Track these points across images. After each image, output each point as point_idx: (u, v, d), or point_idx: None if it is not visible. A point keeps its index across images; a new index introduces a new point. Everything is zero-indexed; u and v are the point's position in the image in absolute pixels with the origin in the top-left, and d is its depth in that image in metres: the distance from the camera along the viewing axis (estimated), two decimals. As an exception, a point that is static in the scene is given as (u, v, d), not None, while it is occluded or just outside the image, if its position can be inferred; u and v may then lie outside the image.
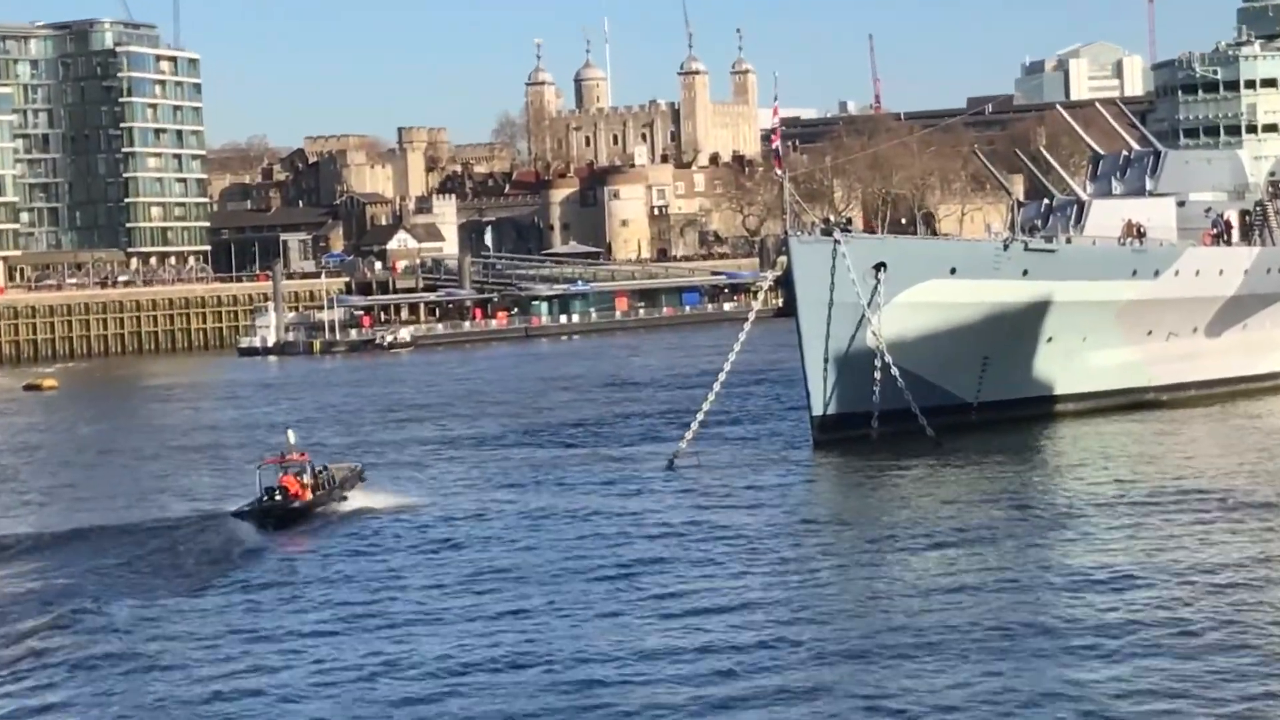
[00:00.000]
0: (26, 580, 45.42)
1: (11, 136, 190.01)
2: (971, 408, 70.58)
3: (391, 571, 45.57)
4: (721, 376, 67.15)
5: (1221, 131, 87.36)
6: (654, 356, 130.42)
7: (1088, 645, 35.32)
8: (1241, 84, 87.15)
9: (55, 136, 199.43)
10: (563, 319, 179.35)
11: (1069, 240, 75.30)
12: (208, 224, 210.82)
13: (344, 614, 40.64)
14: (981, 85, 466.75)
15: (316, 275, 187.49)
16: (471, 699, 33.17)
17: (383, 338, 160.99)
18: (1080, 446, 66.47)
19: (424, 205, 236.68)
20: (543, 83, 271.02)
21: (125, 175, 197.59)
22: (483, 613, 40.13)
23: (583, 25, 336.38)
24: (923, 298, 67.96)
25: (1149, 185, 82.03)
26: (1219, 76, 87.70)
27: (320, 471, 55.29)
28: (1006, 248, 70.62)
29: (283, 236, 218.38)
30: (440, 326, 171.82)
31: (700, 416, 66.18)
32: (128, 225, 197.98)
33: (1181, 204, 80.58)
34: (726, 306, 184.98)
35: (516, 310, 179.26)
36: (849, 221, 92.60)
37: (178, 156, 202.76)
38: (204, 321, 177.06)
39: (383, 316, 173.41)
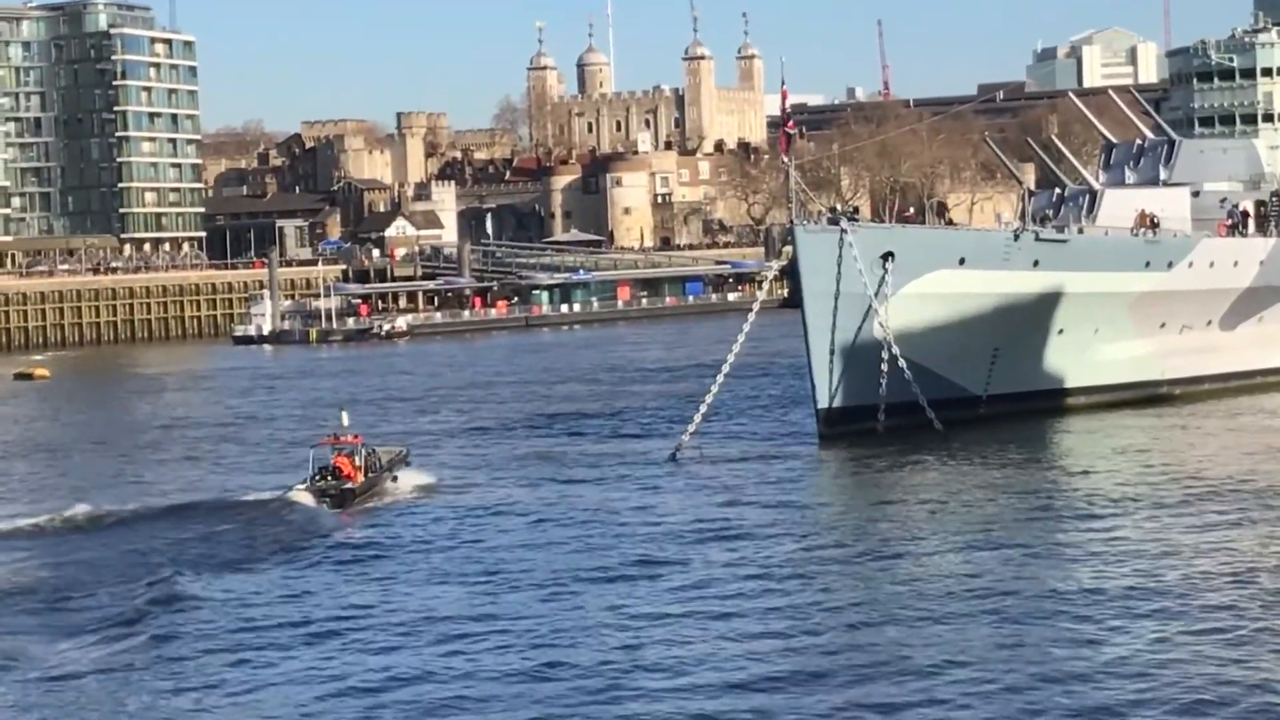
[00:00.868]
0: (115, 554, 46.57)
1: (3, 120, 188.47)
2: (980, 401, 69.63)
3: (385, 567, 44.82)
4: (725, 368, 66.41)
5: (1237, 120, 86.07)
6: (657, 347, 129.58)
7: (1100, 642, 34.95)
8: (1258, 72, 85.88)
9: (47, 120, 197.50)
10: (564, 308, 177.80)
11: (1081, 230, 74.35)
12: (203, 210, 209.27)
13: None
14: (992, 72, 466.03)
15: (313, 263, 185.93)
16: (470, 703, 32.29)
17: (380, 327, 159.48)
18: (1092, 441, 65.72)
19: (423, 192, 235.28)
20: (545, 67, 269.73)
21: (119, 160, 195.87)
22: (481, 611, 39.32)
23: (586, 9, 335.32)
24: (931, 288, 67.00)
25: (1163, 175, 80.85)
26: (1235, 64, 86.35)
27: (370, 454, 56.15)
28: (1017, 238, 69.75)
29: (279, 223, 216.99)
30: (439, 315, 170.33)
31: (704, 409, 65.40)
32: (121, 211, 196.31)
33: (1196, 194, 79.41)
34: (731, 297, 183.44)
35: (517, 299, 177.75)
36: (856, 210, 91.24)
37: (172, 141, 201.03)
38: (198, 309, 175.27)
39: (380, 305, 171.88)
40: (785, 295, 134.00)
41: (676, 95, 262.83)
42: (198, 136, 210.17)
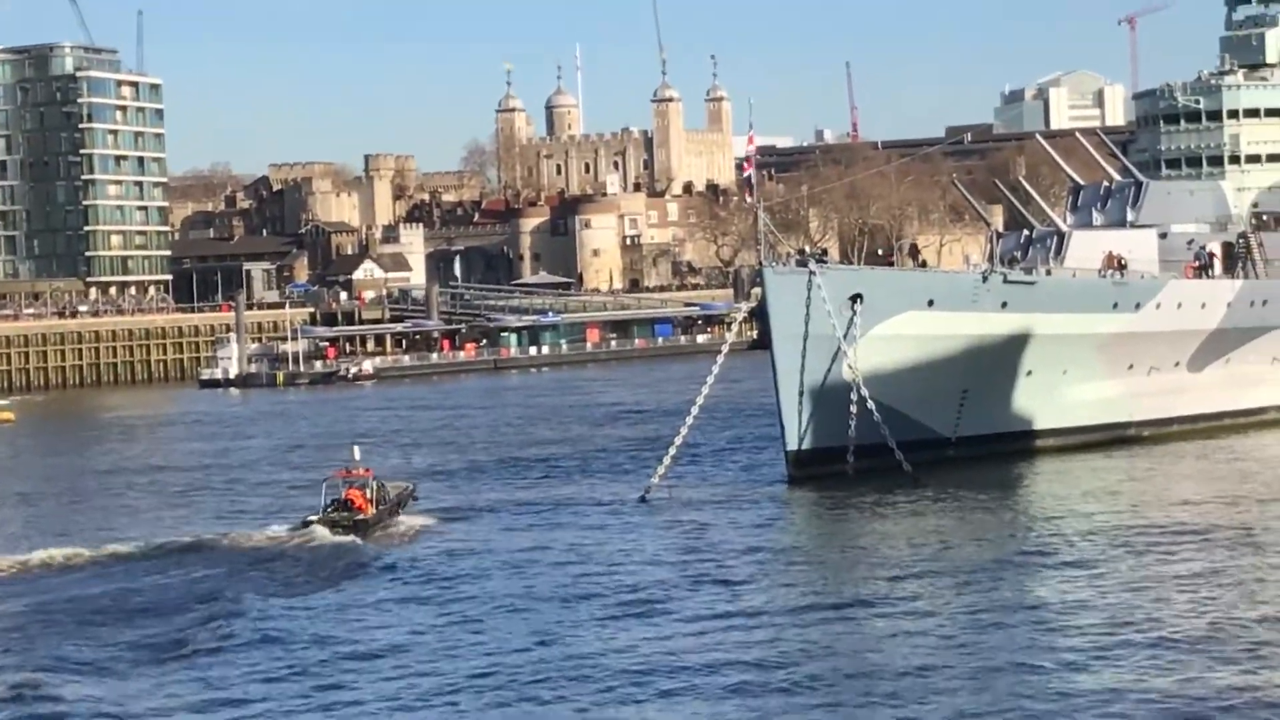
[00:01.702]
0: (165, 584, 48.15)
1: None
2: (949, 442, 69.47)
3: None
4: (695, 410, 66.15)
5: (1204, 162, 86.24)
6: (626, 389, 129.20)
7: (1066, 682, 35.00)
8: (1224, 114, 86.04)
9: (13, 163, 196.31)
10: (532, 350, 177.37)
11: (1049, 272, 74.44)
12: (169, 253, 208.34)
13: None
14: (960, 114, 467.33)
15: (280, 305, 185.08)
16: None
17: (346, 370, 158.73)
18: (1060, 483, 65.75)
19: (391, 234, 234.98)
20: (513, 109, 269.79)
21: (85, 203, 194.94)
22: (449, 656, 39.06)
23: (555, 51, 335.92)
24: (900, 330, 66.95)
25: (1130, 216, 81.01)
26: (1201, 106, 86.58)
27: (380, 487, 57.73)
28: (985, 279, 69.76)
29: (246, 266, 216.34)
30: (407, 358, 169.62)
31: (673, 450, 65.04)
32: (87, 254, 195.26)
33: (1163, 236, 79.65)
34: (700, 338, 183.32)
35: (485, 341, 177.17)
36: (824, 252, 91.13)
37: (139, 184, 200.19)
38: (165, 353, 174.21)
39: (348, 348, 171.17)
40: (754, 337, 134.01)
41: (645, 137, 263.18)
42: (164, 179, 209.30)
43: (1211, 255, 79.40)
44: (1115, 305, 72.89)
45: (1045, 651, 37.71)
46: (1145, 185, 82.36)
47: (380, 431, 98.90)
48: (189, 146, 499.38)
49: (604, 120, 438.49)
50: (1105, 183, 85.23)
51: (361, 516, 55.11)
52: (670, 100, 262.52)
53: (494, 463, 78.40)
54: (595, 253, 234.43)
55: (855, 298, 65.54)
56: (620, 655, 38.31)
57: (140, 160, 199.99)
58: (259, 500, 68.26)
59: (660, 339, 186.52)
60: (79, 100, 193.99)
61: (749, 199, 69.49)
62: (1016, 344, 70.29)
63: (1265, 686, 34.32)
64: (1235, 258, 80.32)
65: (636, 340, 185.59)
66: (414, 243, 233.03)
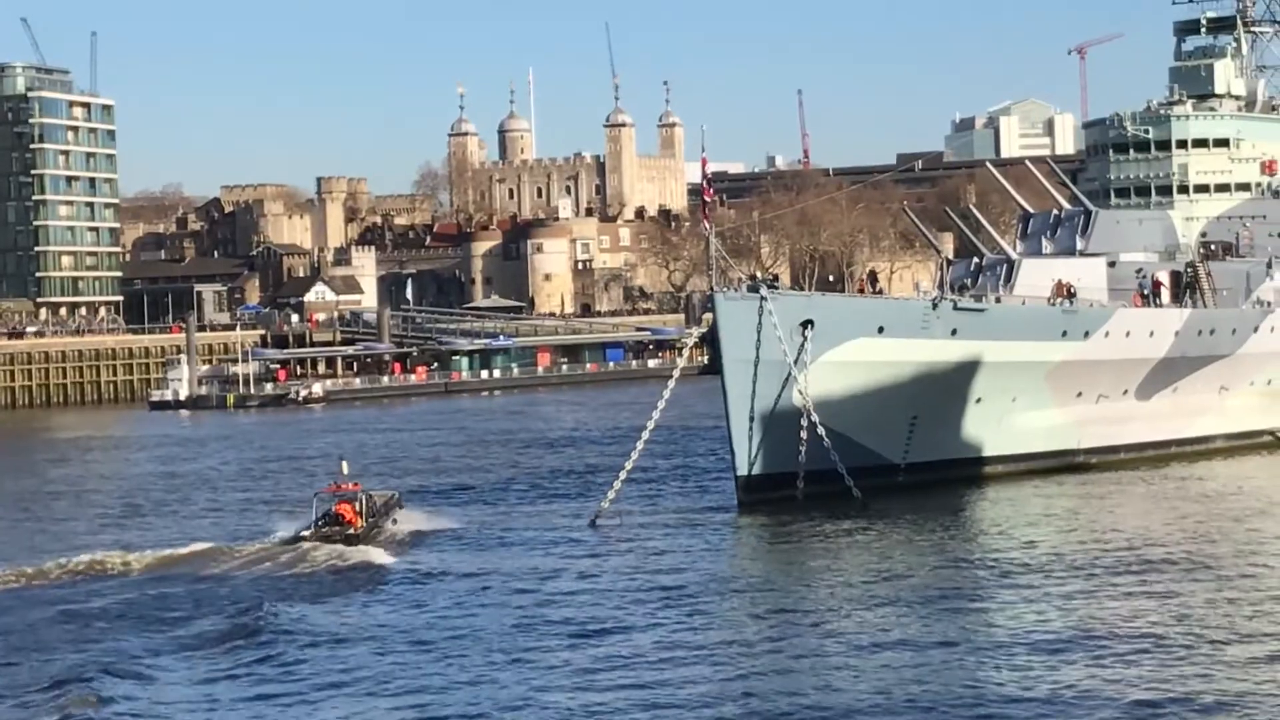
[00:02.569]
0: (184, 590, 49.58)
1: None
2: (899, 469, 69.63)
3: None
4: (645, 434, 66.06)
5: (1153, 192, 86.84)
6: (577, 413, 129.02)
7: (1015, 704, 35.24)
8: (1173, 144, 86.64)
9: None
10: (484, 374, 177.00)
11: (999, 300, 74.71)
12: (120, 274, 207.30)
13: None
14: (911, 142, 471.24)
15: (231, 327, 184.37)
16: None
17: (297, 392, 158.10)
18: (1008, 509, 65.86)
19: (343, 257, 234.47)
20: (466, 133, 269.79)
21: (35, 223, 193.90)
22: (391, 679, 38.95)
23: (508, 75, 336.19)
24: (850, 356, 67.08)
25: (1079, 245, 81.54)
26: (1150, 136, 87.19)
27: (368, 500, 59.01)
28: (935, 307, 69.94)
29: (197, 287, 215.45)
30: (358, 381, 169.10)
31: (623, 475, 65.07)
32: (37, 274, 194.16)
33: (1112, 264, 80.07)
34: (651, 363, 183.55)
35: (436, 365, 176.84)
36: (776, 278, 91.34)
37: (90, 205, 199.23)
38: (115, 374, 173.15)
39: (299, 370, 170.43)
40: (705, 362, 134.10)
41: (598, 162, 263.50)
42: (116, 200, 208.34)
43: (1159, 284, 79.73)
44: (1064, 333, 73.18)
45: (992, 674, 37.87)
46: (1095, 214, 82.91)
47: (331, 455, 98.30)
48: (141, 168, 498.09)
49: (557, 145, 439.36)
50: (1055, 211, 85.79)
51: (352, 530, 56.28)
52: (623, 125, 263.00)
53: (442, 487, 78.12)
54: (547, 277, 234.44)
55: (806, 324, 65.66)
56: (566, 684, 38.10)
57: (92, 181, 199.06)
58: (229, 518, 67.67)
59: (611, 363, 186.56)
60: (30, 120, 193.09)
61: (706, 224, 69.58)
62: (966, 371, 70.49)
63: (1210, 706, 34.66)
64: (1183, 287, 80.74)
65: (588, 364, 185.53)
66: (366, 265, 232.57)
